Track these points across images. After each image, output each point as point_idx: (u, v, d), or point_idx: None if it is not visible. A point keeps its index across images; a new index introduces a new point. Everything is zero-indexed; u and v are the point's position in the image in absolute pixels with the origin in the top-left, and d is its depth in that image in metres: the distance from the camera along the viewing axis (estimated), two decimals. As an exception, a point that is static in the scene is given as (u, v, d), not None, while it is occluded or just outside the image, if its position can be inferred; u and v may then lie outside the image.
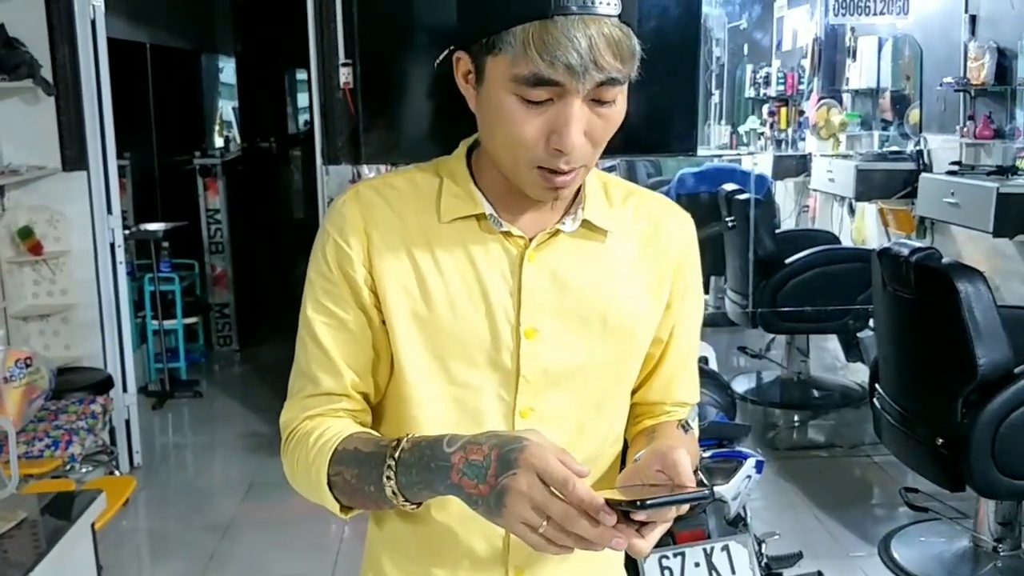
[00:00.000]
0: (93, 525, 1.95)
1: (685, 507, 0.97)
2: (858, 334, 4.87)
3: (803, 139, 6.27)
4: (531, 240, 1.12)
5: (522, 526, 0.91)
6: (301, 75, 8.58)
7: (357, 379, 1.15)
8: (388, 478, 1.01)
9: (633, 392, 1.26)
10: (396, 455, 1.01)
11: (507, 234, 1.12)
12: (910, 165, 5.17)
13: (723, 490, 2.06)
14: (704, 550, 1.93)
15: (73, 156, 4.15)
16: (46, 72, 4.01)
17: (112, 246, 4.31)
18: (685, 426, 1.22)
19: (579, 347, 1.14)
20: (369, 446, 1.06)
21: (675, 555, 1.91)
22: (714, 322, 5.53)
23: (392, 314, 1.11)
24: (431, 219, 1.13)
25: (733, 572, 1.98)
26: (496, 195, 1.13)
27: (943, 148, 4.97)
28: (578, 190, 1.15)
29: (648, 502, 0.90)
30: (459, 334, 1.11)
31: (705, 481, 2.00)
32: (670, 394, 1.26)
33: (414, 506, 1.04)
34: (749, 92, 6.97)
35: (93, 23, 4.15)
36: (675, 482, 0.96)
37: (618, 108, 1.04)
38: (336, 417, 1.15)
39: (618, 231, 1.16)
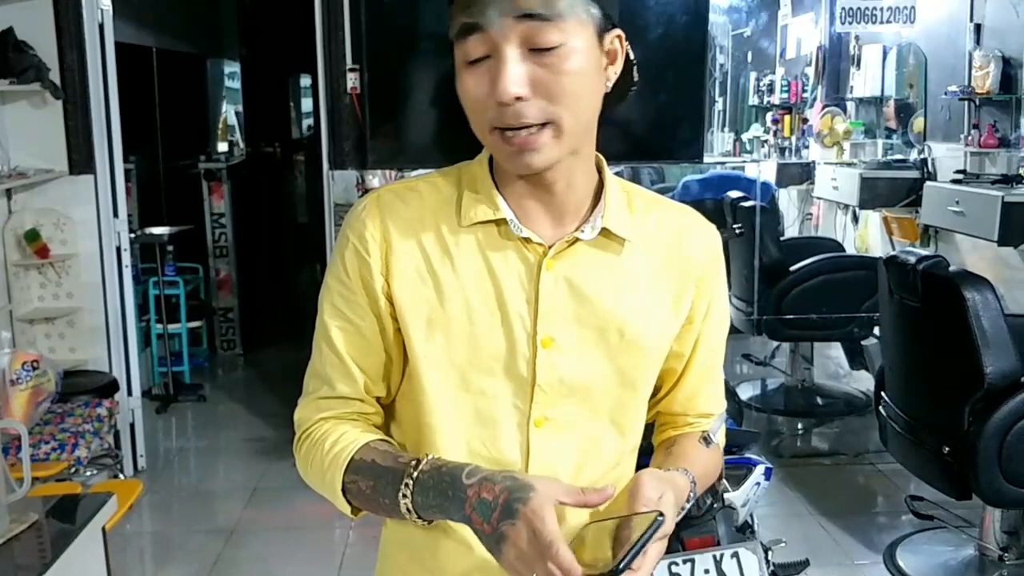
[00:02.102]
0: (104, 528, 1.95)
1: (663, 542, 0.99)
2: (862, 342, 4.87)
3: (807, 147, 6.28)
4: (550, 248, 1.11)
5: (514, 573, 0.95)
6: (305, 80, 8.59)
7: (370, 383, 1.15)
8: (404, 496, 1.03)
9: (657, 402, 1.26)
10: (415, 475, 1.03)
11: (526, 241, 1.11)
12: (914, 173, 5.17)
13: (733, 497, 2.06)
14: (714, 557, 1.93)
15: (80, 160, 4.16)
16: (54, 76, 4.02)
17: (118, 250, 4.32)
18: (707, 438, 1.21)
19: (596, 358, 1.13)
20: (387, 460, 1.07)
21: (685, 561, 1.91)
22: (718, 329, 5.52)
23: (409, 320, 1.11)
24: (451, 224, 1.12)
25: (742, 579, 1.98)
26: (517, 201, 1.12)
27: (947, 157, 4.98)
28: (598, 198, 1.14)
29: (620, 566, 0.92)
30: (476, 341, 1.11)
31: (716, 490, 2.00)
32: (693, 406, 1.25)
33: (425, 523, 1.05)
34: (753, 100, 6.98)
35: (101, 27, 4.16)
36: (632, 509, 0.99)
37: (567, 58, 1.01)
38: (350, 420, 1.15)
39: (639, 241, 1.15)
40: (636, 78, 1.16)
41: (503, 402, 1.12)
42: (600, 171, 1.16)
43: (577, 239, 1.12)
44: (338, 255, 1.15)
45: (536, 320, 1.11)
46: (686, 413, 1.26)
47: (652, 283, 1.16)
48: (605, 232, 1.13)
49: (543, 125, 1.03)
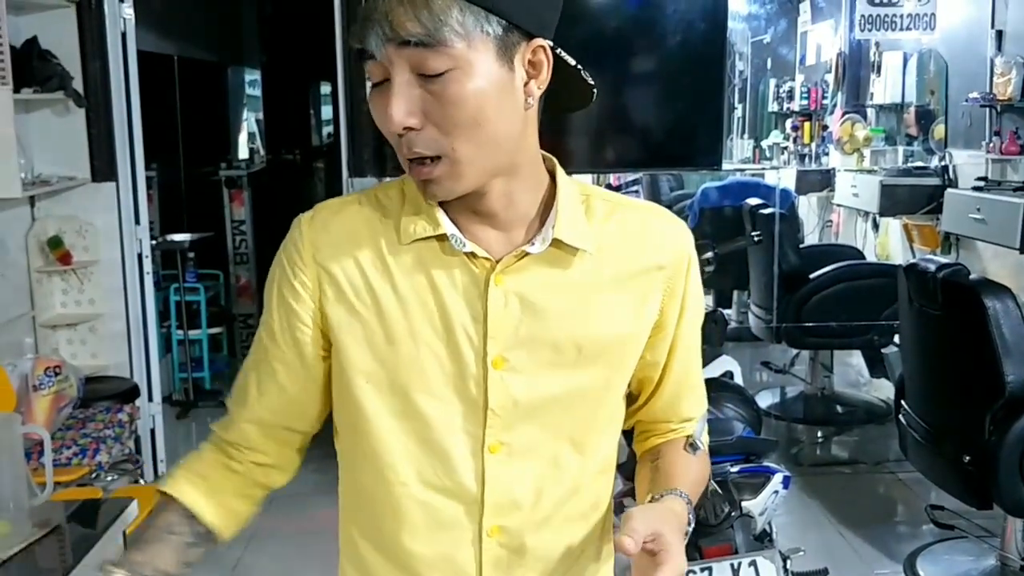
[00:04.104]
0: (125, 533, 1.97)
1: None
2: (883, 350, 4.84)
3: (827, 154, 6.26)
4: (498, 262, 1.05)
5: None
6: (325, 88, 8.64)
7: (264, 416, 1.14)
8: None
9: (636, 411, 1.21)
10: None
11: (472, 255, 1.04)
12: (935, 180, 5.14)
13: (750, 505, 2.06)
14: (732, 565, 1.93)
15: (103, 167, 4.19)
16: (77, 84, 4.05)
17: (139, 256, 4.35)
18: (694, 445, 1.15)
19: (552, 377, 1.07)
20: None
21: (703, 570, 1.91)
22: (738, 337, 5.52)
23: (346, 346, 1.06)
24: (391, 240, 1.06)
25: (760, 588, 1.97)
26: (459, 214, 1.06)
27: (968, 164, 4.95)
28: (550, 207, 1.07)
29: None
30: (420, 363, 1.05)
31: (734, 498, 2.00)
32: (675, 412, 1.20)
33: None
34: (772, 106, 6.98)
35: (123, 36, 4.20)
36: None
37: (455, 84, 0.94)
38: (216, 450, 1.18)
39: (598, 249, 1.07)
40: (591, 82, 1.08)
41: (453, 428, 1.06)
42: (553, 175, 1.09)
43: (526, 252, 1.05)
44: (270, 277, 1.11)
45: (486, 339, 1.04)
46: (668, 420, 1.20)
47: (612, 291, 1.08)
48: (557, 243, 1.05)
49: (436, 158, 0.97)
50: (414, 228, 1.05)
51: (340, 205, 1.10)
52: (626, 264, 1.09)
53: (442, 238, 1.05)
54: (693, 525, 1.07)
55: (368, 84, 1.00)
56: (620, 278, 1.09)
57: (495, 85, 0.96)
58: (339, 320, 1.06)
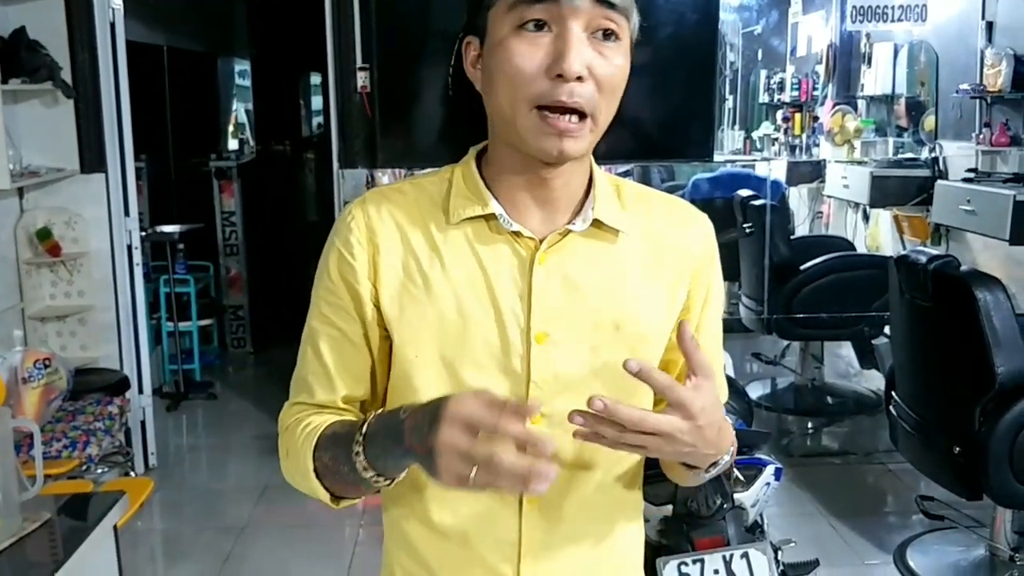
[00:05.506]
0: (116, 527, 1.96)
1: None
2: (873, 341, 4.86)
3: (817, 145, 6.26)
4: (541, 242, 1.11)
5: (457, 480, 0.90)
6: (316, 78, 8.62)
7: (352, 391, 1.15)
8: (357, 453, 1.01)
9: (662, 399, 1.25)
10: (364, 430, 1.02)
11: (517, 235, 1.11)
12: (925, 172, 5.16)
13: (743, 497, 2.07)
14: (723, 557, 1.93)
15: (92, 158, 4.18)
16: (66, 75, 4.03)
17: (129, 248, 4.34)
18: None
19: (591, 352, 1.12)
20: (344, 428, 1.08)
21: (694, 562, 1.92)
22: (728, 328, 5.45)
23: (398, 321, 1.11)
24: (440, 222, 1.12)
25: (751, 579, 1.98)
26: (506, 196, 1.12)
27: (959, 155, 4.96)
28: (588, 190, 1.14)
29: None
30: (468, 338, 1.10)
31: (726, 490, 2.00)
32: None
33: (386, 482, 1.03)
34: (763, 97, 6.97)
35: (112, 26, 4.18)
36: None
37: (620, 52, 1.04)
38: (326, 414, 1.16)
39: (631, 233, 1.15)
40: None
41: None
42: (589, 166, 1.16)
43: (569, 231, 1.12)
44: (324, 262, 1.15)
45: (529, 315, 1.10)
46: None
47: (646, 274, 1.15)
48: (597, 224, 1.12)
49: (583, 117, 1.03)
50: (463, 209, 1.11)
51: (388, 191, 1.16)
52: (658, 251, 1.16)
53: (489, 218, 1.11)
54: (732, 456, 1.11)
55: (517, 28, 1.02)
56: (652, 264, 1.16)
57: (627, 66, 1.07)
58: (390, 298, 1.11)
